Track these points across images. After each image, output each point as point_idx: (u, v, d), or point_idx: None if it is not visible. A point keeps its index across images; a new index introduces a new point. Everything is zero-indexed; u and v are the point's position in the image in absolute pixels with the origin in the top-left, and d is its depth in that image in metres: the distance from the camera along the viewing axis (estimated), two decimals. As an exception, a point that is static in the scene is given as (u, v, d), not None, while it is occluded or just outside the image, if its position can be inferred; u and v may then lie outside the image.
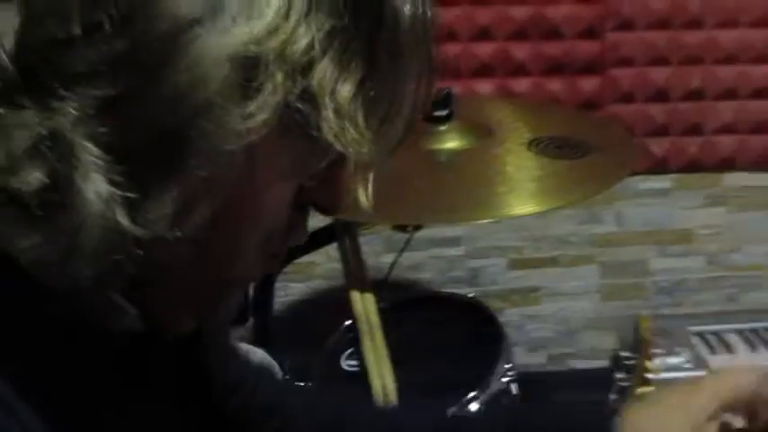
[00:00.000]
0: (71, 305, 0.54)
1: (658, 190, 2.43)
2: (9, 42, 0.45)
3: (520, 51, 2.24)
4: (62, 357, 0.57)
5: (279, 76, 0.48)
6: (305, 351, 1.64)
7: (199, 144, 0.48)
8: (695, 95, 2.30)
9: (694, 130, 2.33)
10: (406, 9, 0.53)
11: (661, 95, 2.30)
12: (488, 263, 2.47)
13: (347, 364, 1.65)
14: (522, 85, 2.26)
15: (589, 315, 2.53)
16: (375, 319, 1.62)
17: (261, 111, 0.48)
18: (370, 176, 0.59)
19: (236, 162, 0.50)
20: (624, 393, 1.54)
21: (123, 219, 0.48)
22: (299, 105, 0.50)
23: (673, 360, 2.04)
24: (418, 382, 1.55)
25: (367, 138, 0.53)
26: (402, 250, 1.93)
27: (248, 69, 0.47)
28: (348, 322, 1.68)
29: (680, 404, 0.83)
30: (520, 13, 2.20)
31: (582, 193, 1.58)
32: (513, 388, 1.56)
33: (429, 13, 0.55)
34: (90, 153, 0.46)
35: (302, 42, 0.48)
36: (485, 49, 2.21)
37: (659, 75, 2.28)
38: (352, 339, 1.65)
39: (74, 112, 0.45)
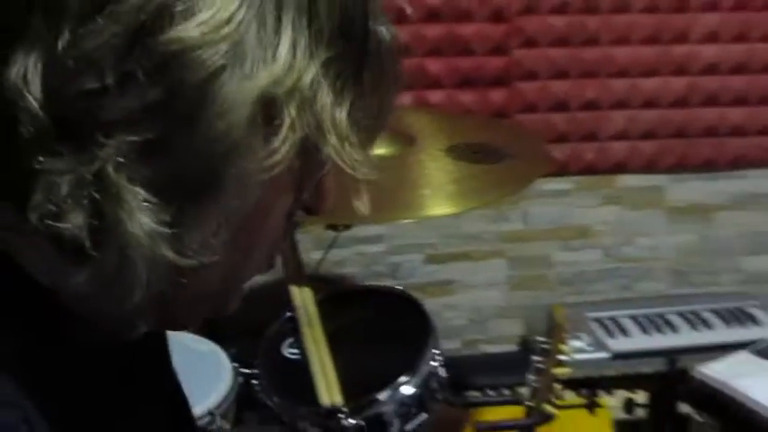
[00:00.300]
0: (85, 323, 0.55)
1: (560, 191, 2.56)
2: (35, 87, 0.45)
3: (434, 66, 2.36)
4: (63, 359, 0.57)
5: (294, 111, 0.49)
6: (249, 340, 1.70)
7: (231, 180, 0.50)
8: (592, 106, 2.45)
9: (591, 137, 2.48)
10: (384, 32, 0.55)
11: (561, 106, 2.44)
12: (407, 258, 2.57)
13: (289, 351, 1.70)
14: (437, 96, 2.38)
15: (499, 304, 2.64)
16: (313, 310, 1.70)
17: (283, 145, 0.50)
18: (364, 185, 0.61)
19: (260, 191, 0.52)
20: (540, 374, 1.66)
21: (168, 252, 0.49)
22: (309, 134, 0.51)
23: (575, 343, 2.20)
24: (355, 367, 1.60)
25: (363, 154, 0.54)
26: (330, 247, 2.00)
27: (269, 109, 0.49)
28: (288, 314, 1.73)
29: None
30: (434, 31, 2.33)
31: (496, 195, 1.72)
32: (441, 371, 1.63)
33: (396, 33, 0.57)
34: (134, 194, 0.46)
35: (309, 76, 0.50)
36: (403, 65, 2.31)
37: (560, 87, 2.42)
38: (293, 329, 1.70)
39: (115, 156, 0.45)
